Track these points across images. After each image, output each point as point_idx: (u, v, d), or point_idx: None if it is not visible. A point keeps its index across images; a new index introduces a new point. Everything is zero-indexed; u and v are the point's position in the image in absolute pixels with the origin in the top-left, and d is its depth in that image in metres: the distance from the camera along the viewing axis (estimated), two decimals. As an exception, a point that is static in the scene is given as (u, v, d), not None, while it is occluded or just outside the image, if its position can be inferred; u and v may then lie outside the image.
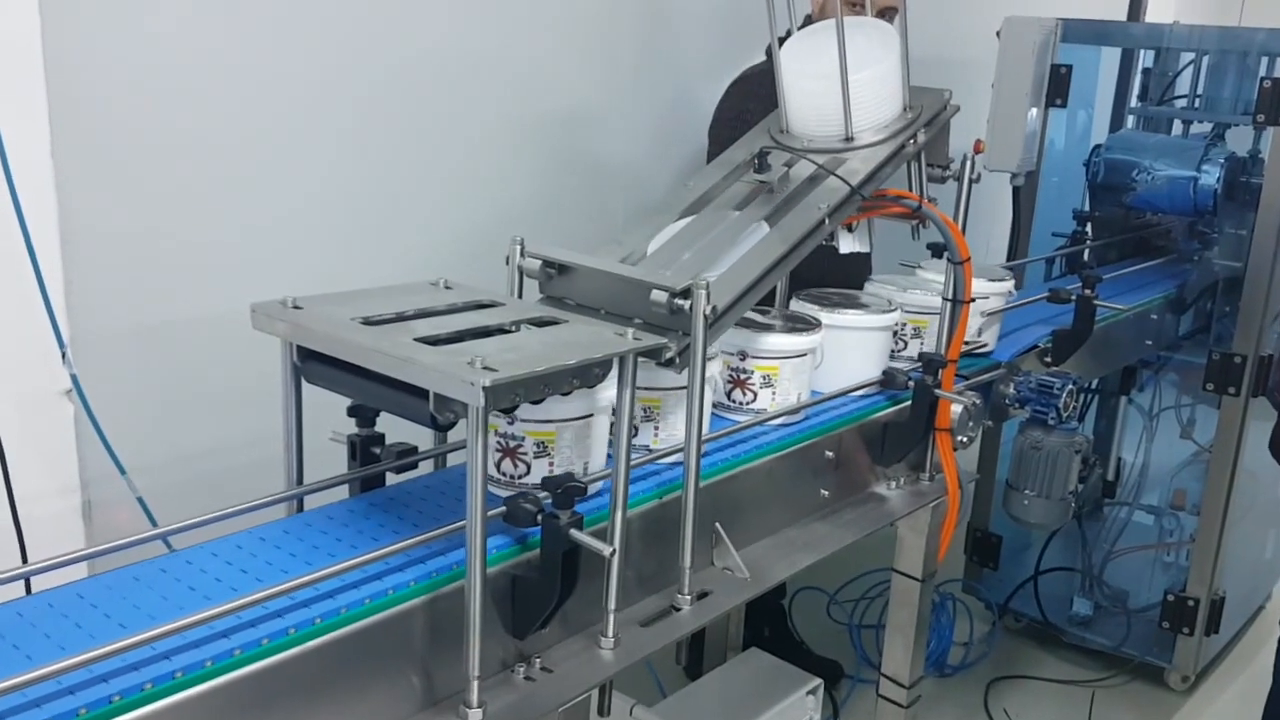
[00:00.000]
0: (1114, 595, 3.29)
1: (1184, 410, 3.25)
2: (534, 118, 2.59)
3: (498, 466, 1.37)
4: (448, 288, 1.48)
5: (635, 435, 1.49)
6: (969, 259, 1.77)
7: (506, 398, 1.14)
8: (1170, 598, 3.08)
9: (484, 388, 1.10)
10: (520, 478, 1.36)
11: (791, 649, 3.01)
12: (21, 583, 1.17)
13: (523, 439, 1.35)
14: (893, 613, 1.96)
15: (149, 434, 1.90)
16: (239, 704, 1.07)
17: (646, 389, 1.52)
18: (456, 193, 2.44)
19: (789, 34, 2.68)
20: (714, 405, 1.67)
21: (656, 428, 1.54)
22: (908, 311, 1.96)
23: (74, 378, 1.76)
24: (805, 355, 1.72)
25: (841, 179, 1.62)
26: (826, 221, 1.59)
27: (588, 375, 1.27)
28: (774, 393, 1.70)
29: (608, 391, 1.37)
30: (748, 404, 1.71)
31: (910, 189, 1.77)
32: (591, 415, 1.39)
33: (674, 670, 2.79)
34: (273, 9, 2.03)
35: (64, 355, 1.74)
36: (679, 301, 1.39)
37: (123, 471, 1.82)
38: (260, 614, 1.10)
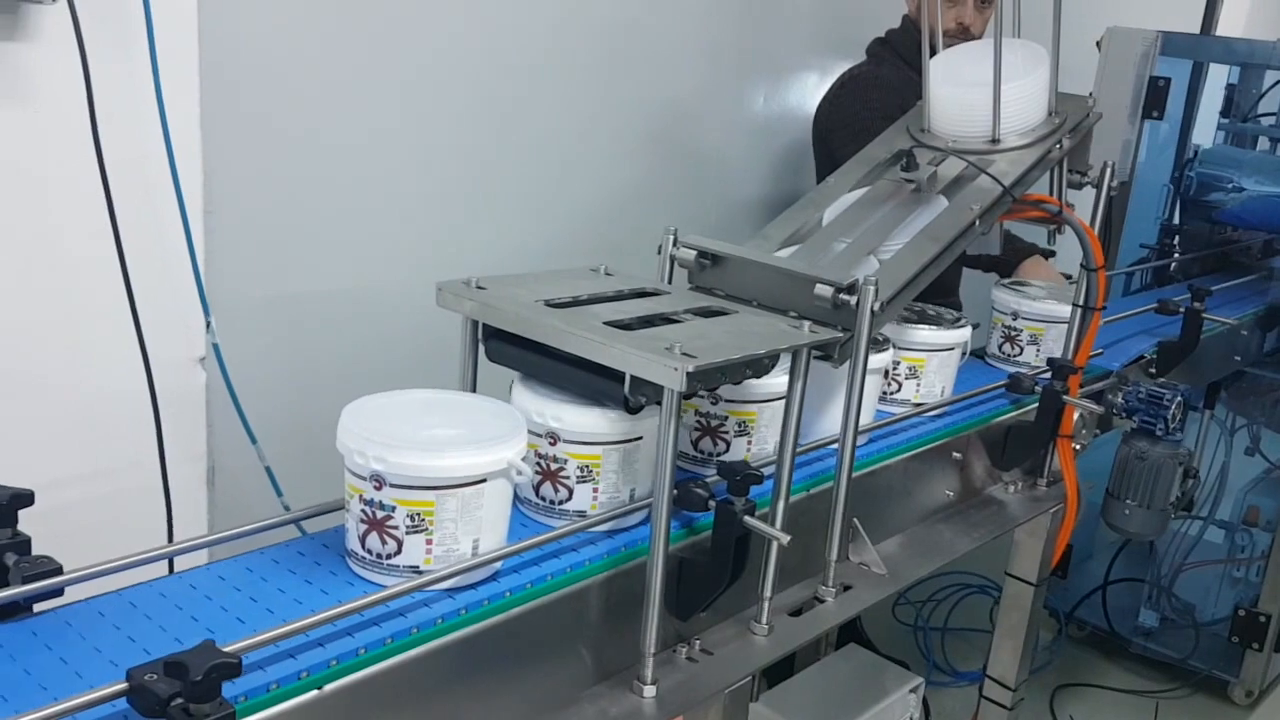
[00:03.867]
0: (1182, 608, 3.29)
1: (1263, 428, 3.25)
2: (638, 109, 2.60)
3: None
4: (608, 274, 1.50)
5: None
6: (1104, 266, 1.78)
7: (701, 383, 1.17)
8: (1241, 613, 3.09)
9: (688, 373, 1.12)
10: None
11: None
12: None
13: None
14: (1003, 616, 1.97)
15: (277, 405, 1.93)
16: (418, 682, 1.07)
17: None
18: (564, 179, 2.46)
19: (887, 35, 2.72)
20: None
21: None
22: (901, 349, 1.73)
23: (215, 346, 1.79)
24: (783, 399, 1.38)
25: (994, 178, 1.63)
26: (978, 223, 1.60)
27: (760, 366, 1.29)
28: (749, 441, 1.45)
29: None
30: (719, 454, 1.46)
31: (1050, 194, 1.78)
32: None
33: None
34: (418, 1, 2.06)
35: (208, 324, 1.77)
36: (844, 296, 1.40)
37: (254, 440, 1.85)
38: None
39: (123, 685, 0.84)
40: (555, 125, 2.41)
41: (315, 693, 0.98)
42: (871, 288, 1.38)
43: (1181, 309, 2.30)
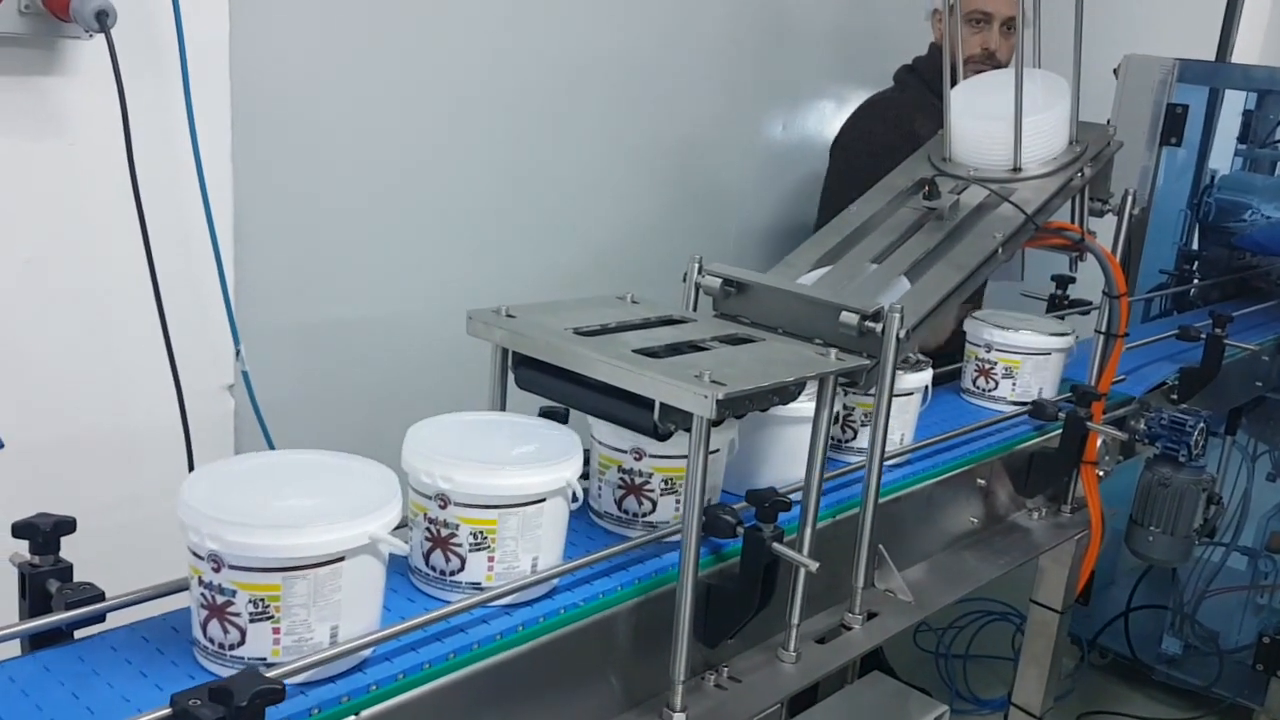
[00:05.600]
0: (1205, 635, 3.27)
1: (1282, 453, 3.24)
2: (659, 139, 2.63)
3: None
4: (634, 302, 1.51)
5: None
6: (1126, 293, 1.79)
7: (731, 410, 1.17)
8: (1266, 640, 3.07)
9: (717, 400, 1.13)
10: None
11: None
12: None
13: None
14: (1028, 643, 1.97)
15: (305, 432, 1.95)
16: (449, 708, 1.08)
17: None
18: (586, 208, 2.49)
19: (914, 63, 2.74)
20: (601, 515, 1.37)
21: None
22: (855, 394, 1.56)
23: (245, 374, 1.81)
24: (714, 453, 1.32)
25: (1017, 206, 1.64)
26: (1000, 251, 1.62)
27: (787, 393, 1.30)
28: (677, 500, 1.33)
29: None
30: (644, 514, 1.35)
31: (1071, 222, 1.79)
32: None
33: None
34: (441, 37, 2.11)
35: (238, 352, 1.79)
36: (869, 324, 1.41)
37: (281, 467, 1.86)
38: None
39: (166, 711, 0.85)
40: (578, 155, 2.44)
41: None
42: (897, 315, 1.39)
43: (1203, 335, 2.30)
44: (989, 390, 1.98)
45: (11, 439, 1.56)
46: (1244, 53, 4.59)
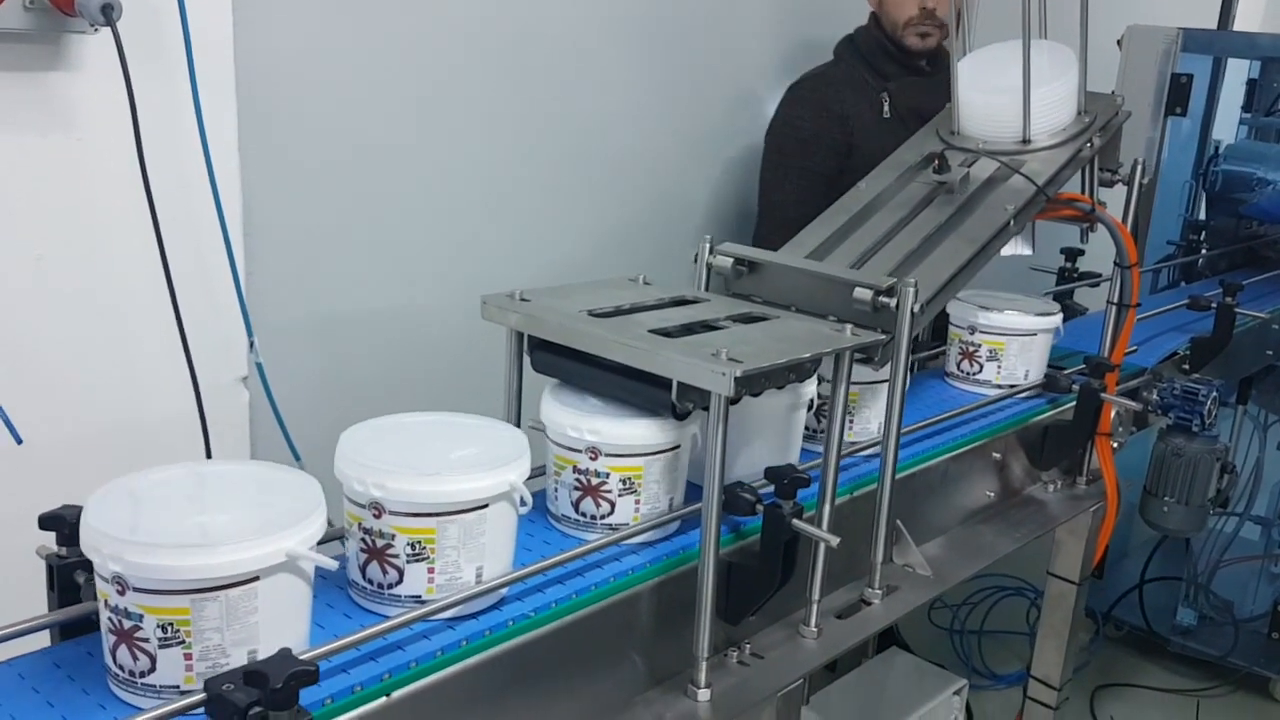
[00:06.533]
0: (1220, 605, 3.27)
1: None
2: (663, 126, 2.62)
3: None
4: (646, 283, 1.52)
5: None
6: (1138, 263, 1.79)
7: (749, 388, 1.18)
8: (1280, 609, 3.08)
9: (735, 378, 1.14)
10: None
11: (898, 652, 3.01)
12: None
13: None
14: (1046, 615, 1.98)
15: (321, 423, 1.94)
16: (476, 689, 1.08)
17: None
18: (593, 195, 2.49)
19: (855, 32, 2.66)
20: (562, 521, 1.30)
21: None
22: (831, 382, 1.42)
23: (259, 366, 1.81)
24: (675, 450, 1.27)
25: (1028, 178, 1.64)
26: (1012, 223, 1.61)
27: (803, 370, 1.30)
28: (637, 500, 1.26)
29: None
30: (603, 516, 1.27)
31: (1082, 192, 1.79)
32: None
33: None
34: (447, 25, 2.10)
35: (252, 345, 1.79)
36: (883, 299, 1.41)
37: (297, 457, 1.87)
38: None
39: (200, 696, 0.85)
40: (585, 143, 2.43)
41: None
42: (911, 289, 1.39)
43: (1213, 305, 2.30)
44: (973, 374, 1.89)
45: (28, 435, 1.56)
46: (1245, 21, 4.57)
